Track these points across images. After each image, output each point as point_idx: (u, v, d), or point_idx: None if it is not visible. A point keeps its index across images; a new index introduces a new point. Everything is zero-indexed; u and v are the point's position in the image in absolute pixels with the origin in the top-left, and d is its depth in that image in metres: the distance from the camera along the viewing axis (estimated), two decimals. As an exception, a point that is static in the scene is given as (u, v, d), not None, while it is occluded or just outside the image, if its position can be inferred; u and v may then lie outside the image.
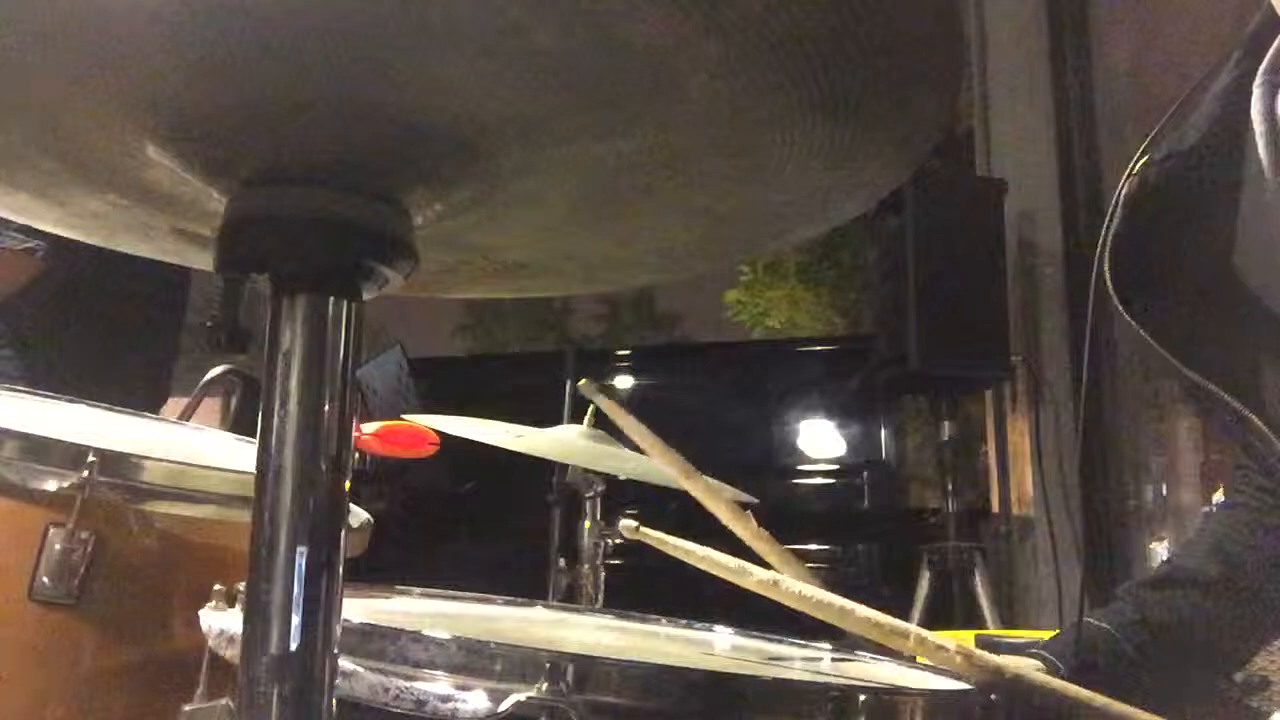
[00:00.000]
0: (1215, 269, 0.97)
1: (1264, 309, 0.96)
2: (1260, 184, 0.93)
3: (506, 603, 1.21)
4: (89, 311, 2.02)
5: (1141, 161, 1.04)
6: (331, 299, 0.50)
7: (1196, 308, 0.99)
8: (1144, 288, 1.02)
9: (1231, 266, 0.95)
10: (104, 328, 2.05)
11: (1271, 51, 0.94)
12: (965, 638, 1.59)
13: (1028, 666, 1.03)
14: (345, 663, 0.67)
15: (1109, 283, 1.01)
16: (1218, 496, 1.25)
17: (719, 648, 1.16)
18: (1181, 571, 1.19)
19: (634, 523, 0.93)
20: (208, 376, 1.74)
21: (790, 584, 0.89)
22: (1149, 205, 1.03)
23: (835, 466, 4.90)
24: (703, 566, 0.91)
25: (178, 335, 2.30)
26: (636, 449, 1.22)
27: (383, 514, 1.39)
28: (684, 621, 1.20)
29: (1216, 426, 1.03)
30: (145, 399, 1.95)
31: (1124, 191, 1.03)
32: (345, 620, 0.67)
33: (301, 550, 0.49)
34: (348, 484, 0.51)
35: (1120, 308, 1.01)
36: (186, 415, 1.62)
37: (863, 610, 0.88)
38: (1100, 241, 1.02)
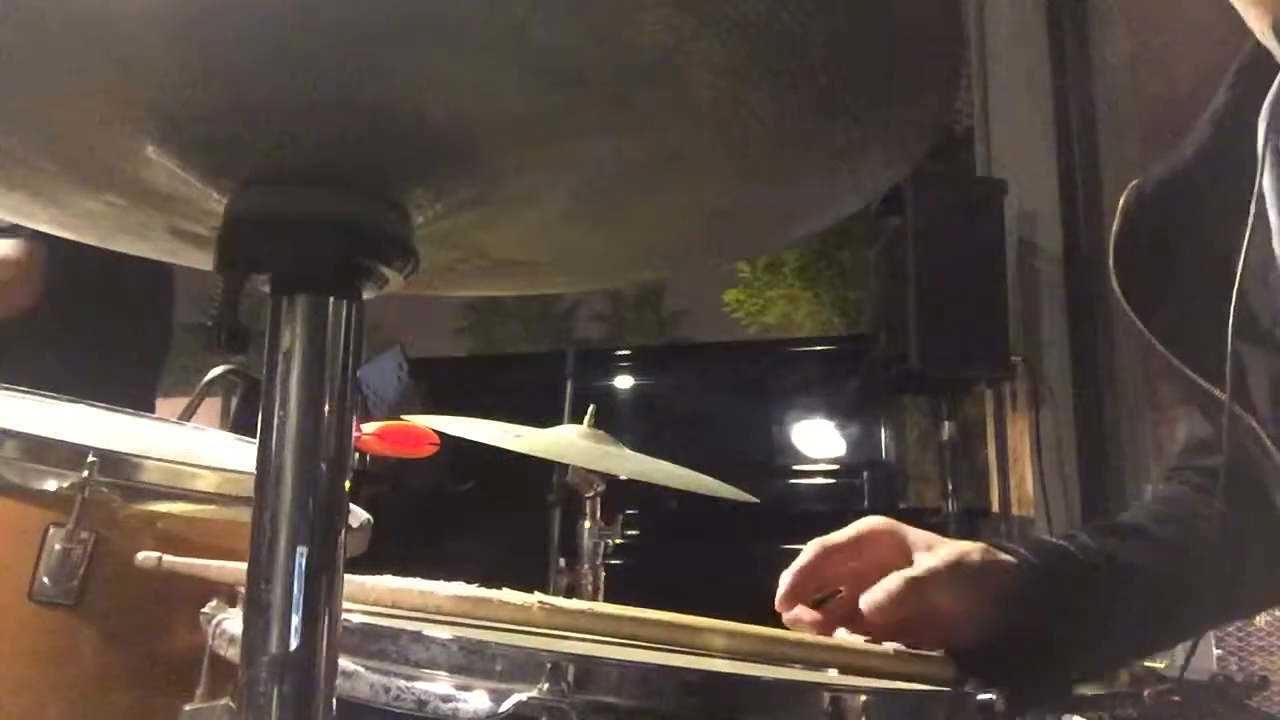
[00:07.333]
0: (1214, 286, 0.96)
1: (1257, 325, 0.96)
2: (1261, 208, 0.93)
3: (507, 603, 1.21)
4: (74, 313, 2.00)
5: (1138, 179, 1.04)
6: (331, 299, 0.50)
7: (1197, 318, 0.99)
8: (1147, 294, 1.03)
9: (1229, 284, 0.94)
10: (87, 330, 2.02)
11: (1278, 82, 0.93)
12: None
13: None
14: (345, 663, 0.67)
15: (1116, 288, 1.01)
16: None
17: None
18: (1131, 522, 1.17)
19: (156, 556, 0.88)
20: (208, 376, 1.74)
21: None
22: (1146, 218, 1.04)
23: (835, 466, 4.88)
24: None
25: (165, 339, 2.27)
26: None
27: (382, 513, 1.39)
28: (684, 621, 1.20)
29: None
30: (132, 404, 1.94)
31: (1123, 202, 1.04)
32: (345, 620, 0.67)
33: (301, 550, 0.49)
34: (348, 484, 0.51)
35: (1130, 311, 1.01)
36: (186, 415, 1.62)
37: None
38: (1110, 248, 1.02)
